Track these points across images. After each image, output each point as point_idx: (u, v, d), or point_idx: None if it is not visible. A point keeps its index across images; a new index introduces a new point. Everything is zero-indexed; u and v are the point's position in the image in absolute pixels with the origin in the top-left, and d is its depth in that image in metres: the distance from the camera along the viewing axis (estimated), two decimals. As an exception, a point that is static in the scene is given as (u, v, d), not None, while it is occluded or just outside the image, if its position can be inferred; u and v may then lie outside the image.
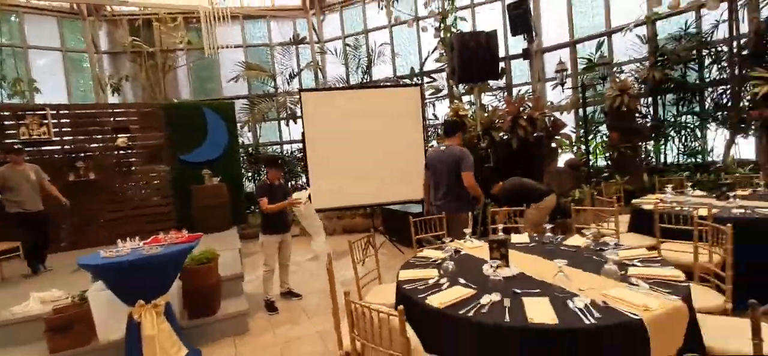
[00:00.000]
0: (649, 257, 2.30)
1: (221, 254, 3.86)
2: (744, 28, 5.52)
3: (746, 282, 2.43)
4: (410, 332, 1.57)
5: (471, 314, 1.74)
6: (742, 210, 3.22)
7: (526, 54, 7.89)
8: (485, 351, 1.66)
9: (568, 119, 7.41)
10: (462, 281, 2.13)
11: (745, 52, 5.43)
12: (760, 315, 1.29)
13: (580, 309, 1.66)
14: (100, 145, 6.44)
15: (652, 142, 6.52)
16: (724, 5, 5.48)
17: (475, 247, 2.80)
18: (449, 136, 3.83)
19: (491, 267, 2.19)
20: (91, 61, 8.29)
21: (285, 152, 9.72)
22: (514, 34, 7.49)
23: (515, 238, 2.95)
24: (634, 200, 4.08)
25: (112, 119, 6.57)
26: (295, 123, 9.50)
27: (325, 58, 10.05)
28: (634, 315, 1.58)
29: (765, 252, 2.86)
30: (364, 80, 9.47)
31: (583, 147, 6.49)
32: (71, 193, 6.01)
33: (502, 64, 8.16)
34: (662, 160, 6.49)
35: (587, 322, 1.56)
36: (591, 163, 6.91)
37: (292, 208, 4.27)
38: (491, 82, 7.68)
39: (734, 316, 2.17)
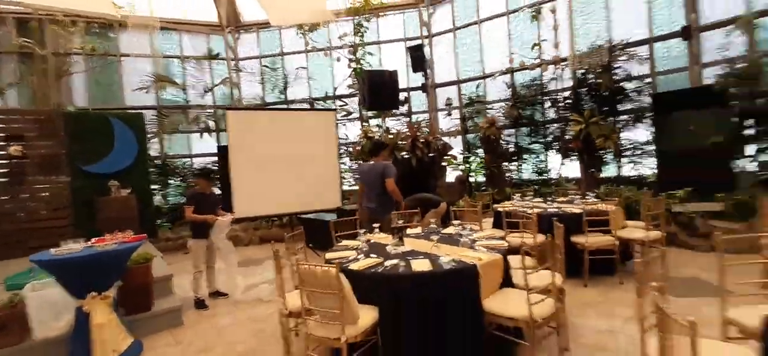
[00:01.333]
0: (491, 236, 3.53)
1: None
2: (568, 82, 7.71)
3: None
4: (343, 278, 2.41)
5: (379, 270, 2.69)
6: (556, 209, 4.80)
7: (423, 88, 9.42)
8: (390, 292, 2.60)
9: (456, 143, 9.08)
10: (372, 255, 3.07)
11: (569, 101, 7.58)
12: (524, 253, 2.47)
13: (444, 263, 2.72)
14: (-14, 153, 5.92)
15: (514, 163, 8.45)
16: (552, 67, 7.61)
17: (382, 237, 3.77)
18: (375, 154, 4.82)
19: (392, 246, 3.19)
20: (-34, 60, 7.34)
21: (196, 165, 9.68)
22: (414, 71, 8.95)
23: (411, 231, 4.02)
24: (494, 205, 5.55)
25: (3, 125, 6.08)
26: (210, 136, 9.61)
27: (241, 76, 10.36)
28: (472, 263, 2.69)
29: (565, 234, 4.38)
30: (280, 100, 10.06)
31: (466, 166, 8.12)
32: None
33: (405, 95, 9.60)
34: (520, 176, 8.45)
35: (446, 268, 2.62)
36: (473, 178, 8.60)
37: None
38: (395, 110, 9.00)
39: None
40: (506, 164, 8.28)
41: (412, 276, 2.59)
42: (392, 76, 6.46)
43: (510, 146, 8.43)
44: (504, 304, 2.63)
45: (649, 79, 7.03)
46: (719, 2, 6.45)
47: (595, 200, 5.19)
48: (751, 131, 5.93)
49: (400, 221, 4.05)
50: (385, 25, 9.95)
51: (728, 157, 5.95)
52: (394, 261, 2.85)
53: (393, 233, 3.45)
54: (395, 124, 9.58)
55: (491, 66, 8.92)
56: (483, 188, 8.28)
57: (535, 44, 7.67)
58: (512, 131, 8.50)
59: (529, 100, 7.97)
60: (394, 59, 9.91)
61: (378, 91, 6.38)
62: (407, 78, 9.78)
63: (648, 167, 7.16)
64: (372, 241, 3.65)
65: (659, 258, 4.10)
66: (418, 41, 9.24)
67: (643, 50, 7.06)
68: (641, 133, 7.17)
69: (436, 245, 3.16)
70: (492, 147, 7.71)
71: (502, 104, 8.56)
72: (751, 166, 5.99)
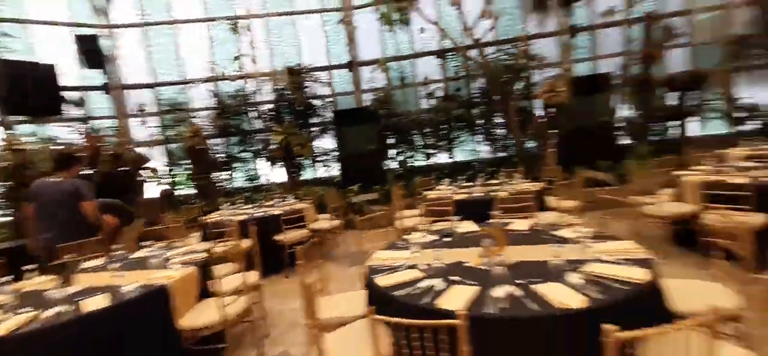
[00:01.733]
0: (190, 250, 3.47)
1: None
2: (270, 96, 8.47)
3: (262, 254, 4.13)
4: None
5: (30, 328, 2.14)
6: (262, 213, 5.23)
7: (106, 89, 7.83)
8: (48, 349, 2.12)
9: (157, 153, 8.10)
10: (24, 310, 2.37)
11: (272, 113, 8.35)
12: (218, 260, 2.63)
13: (128, 292, 2.47)
14: None
15: (226, 172, 8.46)
16: (254, 80, 8.21)
17: (44, 281, 2.96)
18: (62, 169, 3.74)
19: (56, 289, 2.58)
20: None
21: None
22: (89, 67, 7.27)
23: (87, 264, 3.35)
24: (201, 217, 5.41)
25: None
26: None
27: None
28: (161, 284, 2.58)
29: (268, 234, 4.83)
30: None
31: (170, 179, 7.41)
32: None
33: (78, 95, 7.67)
34: (233, 185, 8.57)
35: (129, 297, 2.40)
36: (181, 192, 7.96)
37: None
38: (69, 112, 7.03)
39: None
40: (217, 174, 8.18)
41: (79, 320, 2.21)
42: (48, 72, 5.00)
43: (220, 155, 8.37)
44: (199, 315, 2.68)
45: (330, 99, 8.77)
46: (374, 45, 8.85)
47: (294, 200, 6.02)
48: (391, 141, 8.54)
49: (67, 256, 3.28)
50: (37, 1, 7.53)
51: (380, 159, 8.32)
52: (57, 309, 2.32)
53: (56, 273, 2.78)
54: (66, 132, 7.48)
55: (194, 72, 8.52)
56: (193, 201, 7.82)
57: (236, 57, 7.95)
58: (222, 140, 8.46)
59: (235, 110, 8.19)
60: (60, 49, 7.67)
61: (25, 90, 4.77)
62: (81, 75, 7.83)
63: (336, 169, 8.93)
64: (24, 290, 2.80)
65: (335, 240, 5.28)
66: (93, 31, 7.58)
67: (325, 75, 8.72)
68: (329, 142, 8.86)
69: (120, 273, 2.80)
70: (199, 157, 7.41)
71: (209, 112, 8.37)
72: (393, 165, 8.64)
